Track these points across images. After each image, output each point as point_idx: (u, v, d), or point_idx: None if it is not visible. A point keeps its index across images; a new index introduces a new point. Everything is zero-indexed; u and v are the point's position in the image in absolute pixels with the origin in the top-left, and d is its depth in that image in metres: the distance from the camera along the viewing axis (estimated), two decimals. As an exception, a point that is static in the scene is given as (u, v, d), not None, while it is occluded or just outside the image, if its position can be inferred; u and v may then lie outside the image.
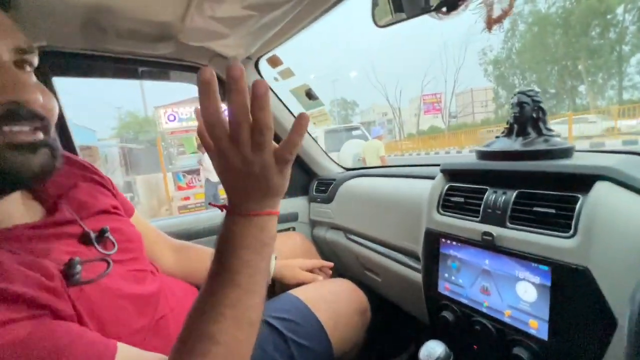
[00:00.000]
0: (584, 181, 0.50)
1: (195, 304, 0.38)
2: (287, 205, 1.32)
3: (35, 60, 0.43)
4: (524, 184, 0.58)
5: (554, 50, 21.67)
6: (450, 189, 0.71)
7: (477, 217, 0.62)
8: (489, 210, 0.61)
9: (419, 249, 0.77)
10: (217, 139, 0.34)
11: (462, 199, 0.67)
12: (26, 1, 0.67)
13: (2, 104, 0.36)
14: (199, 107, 0.32)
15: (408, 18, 0.55)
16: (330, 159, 1.39)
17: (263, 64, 1.08)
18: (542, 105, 0.62)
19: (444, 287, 0.69)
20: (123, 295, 0.45)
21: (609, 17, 18.81)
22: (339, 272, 1.22)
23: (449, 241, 0.68)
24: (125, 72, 1.00)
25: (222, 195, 5.41)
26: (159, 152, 7.20)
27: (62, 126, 0.89)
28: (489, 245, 0.59)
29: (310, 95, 1.07)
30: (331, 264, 0.97)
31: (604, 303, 0.45)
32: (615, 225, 0.46)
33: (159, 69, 1.04)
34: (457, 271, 0.66)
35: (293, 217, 1.32)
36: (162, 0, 0.74)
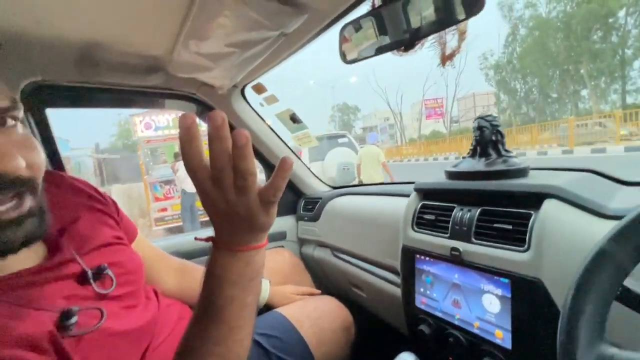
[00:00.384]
0: (535, 199, 0.55)
1: (183, 340, 0.39)
2: (275, 224, 1.32)
3: (20, 114, 0.40)
4: (486, 202, 0.63)
5: (556, 54, 21.49)
6: (423, 207, 0.75)
7: (447, 233, 0.67)
8: (457, 227, 0.65)
9: (398, 264, 0.81)
10: (200, 183, 0.34)
11: (433, 217, 0.71)
12: (22, 38, 0.72)
13: None
14: (180, 151, 0.32)
15: (372, 56, 0.61)
16: (317, 177, 1.43)
17: (249, 91, 1.14)
18: (500, 129, 0.67)
19: (421, 301, 0.72)
20: (116, 334, 0.45)
21: (610, 20, 18.62)
22: (326, 288, 1.25)
23: (423, 257, 0.72)
24: (117, 101, 1.05)
25: (199, 207, 5.21)
26: (138, 161, 6.93)
27: (55, 159, 0.93)
28: (457, 260, 0.63)
29: (294, 119, 1.13)
30: (319, 292, 1.01)
31: (556, 312, 0.49)
32: (562, 240, 0.50)
33: (149, 98, 1.09)
34: (432, 286, 0.70)
35: (281, 236, 1.34)
36: (151, 36, 0.80)
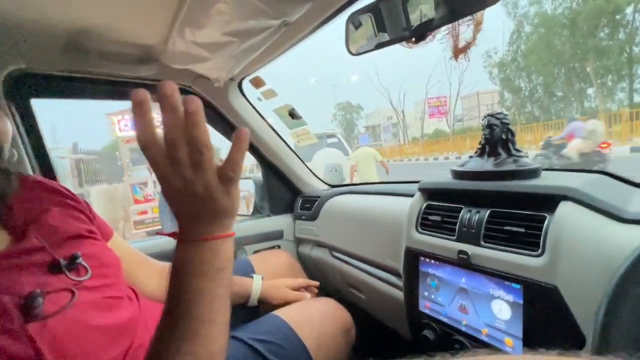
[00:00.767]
0: (549, 201, 0.53)
1: (153, 338, 0.37)
2: (272, 223, 1.32)
3: None
4: (495, 204, 0.60)
5: (561, 52, 20.87)
6: (427, 207, 0.73)
7: (454, 235, 0.64)
8: (464, 229, 0.62)
9: (400, 266, 0.78)
10: (154, 162, 0.32)
11: (439, 218, 0.68)
12: (4, 22, 0.67)
13: None
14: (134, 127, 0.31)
15: (381, 47, 0.58)
16: (315, 176, 1.40)
17: (247, 85, 1.10)
18: (510, 127, 0.65)
19: (425, 306, 0.69)
20: (92, 326, 0.43)
21: (618, 17, 17.66)
22: (324, 289, 1.22)
23: (427, 259, 0.69)
24: (107, 93, 1.00)
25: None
26: (117, 162, 6.75)
27: (40, 150, 0.88)
28: (464, 263, 0.61)
29: (293, 115, 1.09)
30: (317, 283, 0.98)
31: (572, 320, 0.46)
32: (579, 245, 0.48)
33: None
34: (437, 289, 0.67)
35: (278, 235, 1.31)
36: (144, 23, 0.75)
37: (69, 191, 0.59)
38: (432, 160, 16.88)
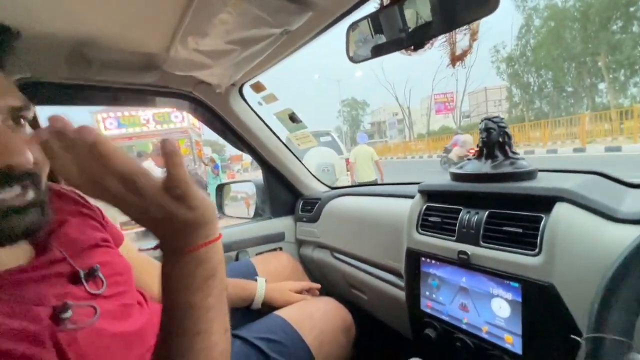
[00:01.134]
0: (545, 202, 0.55)
1: (153, 353, 0.38)
2: (273, 225, 1.33)
3: (31, 114, 0.42)
4: (494, 205, 0.62)
5: (572, 45, 20.07)
6: (428, 209, 0.74)
7: (453, 236, 0.66)
8: (464, 230, 0.64)
9: (401, 267, 0.79)
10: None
11: (439, 219, 0.70)
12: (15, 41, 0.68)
13: None
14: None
15: (381, 54, 0.59)
16: (316, 178, 1.41)
17: (247, 90, 1.11)
18: (507, 130, 0.66)
19: (426, 305, 0.71)
20: (111, 335, 0.45)
21: (632, 9, 16.91)
22: (325, 290, 1.23)
23: (428, 260, 0.71)
24: (110, 99, 1.01)
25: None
26: None
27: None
28: (464, 263, 0.62)
29: (293, 118, 1.10)
30: (318, 286, 0.99)
31: (569, 317, 0.48)
32: (574, 244, 0.50)
33: (144, 95, 1.05)
34: (438, 289, 0.69)
35: (280, 237, 1.33)
36: (147, 33, 0.77)
37: (83, 198, 0.60)
38: (436, 157, 16.63)
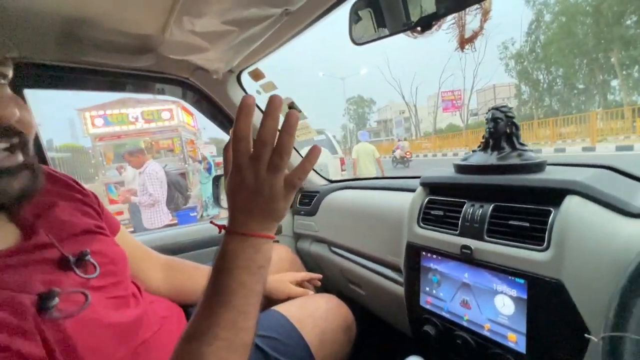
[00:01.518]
0: (555, 195, 0.52)
1: (190, 323, 0.38)
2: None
3: (10, 72, 0.42)
4: (499, 198, 0.59)
5: (584, 41, 19.45)
6: (430, 202, 0.72)
7: (456, 230, 0.63)
8: (467, 224, 0.62)
9: (401, 262, 0.77)
10: (239, 153, 0.37)
11: (441, 212, 0.68)
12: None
13: None
14: (234, 122, 0.36)
15: (386, 36, 0.56)
16: (315, 171, 1.39)
17: (245, 77, 1.08)
18: (515, 120, 0.64)
19: (426, 301, 0.69)
20: (102, 326, 0.43)
21: None
22: (323, 285, 1.21)
23: (429, 254, 0.68)
24: (103, 84, 0.98)
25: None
26: (91, 160, 6.39)
27: (35, 142, 0.86)
28: (467, 258, 0.60)
29: (293, 108, 1.07)
30: (319, 276, 0.97)
31: (577, 315, 0.46)
32: (586, 239, 0.47)
33: (139, 81, 1.02)
34: (438, 285, 0.66)
35: (277, 230, 1.30)
36: (141, 12, 0.73)
37: (77, 183, 0.58)
38: (441, 156, 16.31)
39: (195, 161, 6.69)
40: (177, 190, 4.21)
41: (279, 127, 0.37)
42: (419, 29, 0.52)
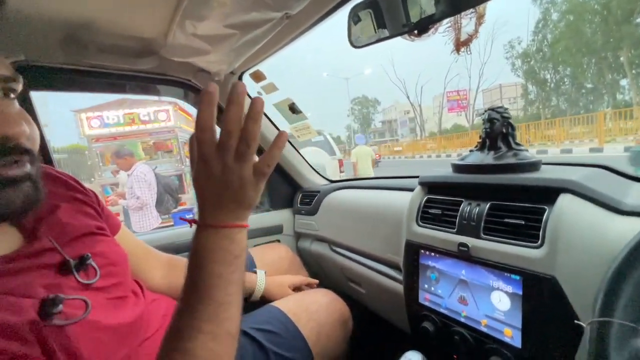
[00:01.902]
0: (549, 194, 0.53)
1: (172, 321, 0.39)
2: (271, 217, 1.32)
3: (19, 87, 0.42)
4: (496, 196, 0.61)
5: (592, 40, 18.98)
6: (428, 201, 0.73)
7: (454, 228, 0.64)
8: (464, 222, 0.63)
9: (400, 260, 0.78)
10: (204, 143, 0.36)
11: (439, 211, 0.69)
12: (4, 16, 0.67)
13: None
14: (197, 112, 0.35)
15: (384, 39, 0.58)
16: (315, 171, 1.40)
17: (247, 79, 1.09)
18: (511, 121, 0.65)
19: (424, 298, 0.70)
20: (103, 328, 0.43)
21: None
22: (323, 283, 1.22)
23: (427, 252, 0.69)
24: (106, 86, 0.99)
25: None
26: (88, 160, 6.25)
27: (40, 143, 0.87)
28: (464, 256, 0.61)
29: (293, 109, 1.09)
30: (317, 281, 0.98)
31: (570, 310, 0.47)
32: (578, 236, 0.48)
33: (142, 83, 1.04)
34: (436, 282, 0.67)
35: (278, 230, 1.31)
36: (144, 16, 0.75)
37: (77, 183, 0.58)
38: (445, 157, 16.04)
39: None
40: (167, 192, 4.01)
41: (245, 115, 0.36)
42: (416, 32, 0.53)
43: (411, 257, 0.73)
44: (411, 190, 0.81)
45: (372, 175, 5.77)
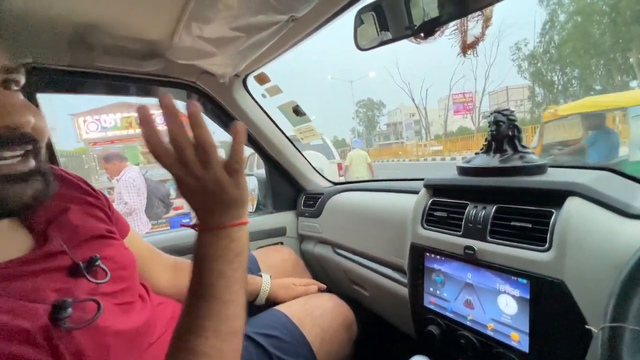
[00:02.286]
0: (556, 197, 0.53)
1: (179, 321, 0.39)
2: (275, 219, 1.32)
3: (22, 79, 0.42)
4: (502, 199, 0.60)
5: (600, 41, 18.63)
6: (433, 203, 0.73)
7: (459, 231, 0.64)
8: (470, 225, 0.63)
9: (405, 263, 0.78)
10: (165, 164, 0.36)
11: (445, 214, 0.69)
12: (12, 19, 0.67)
13: None
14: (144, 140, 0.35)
15: (389, 41, 0.58)
16: (319, 173, 1.40)
17: (251, 81, 1.10)
18: (517, 123, 0.65)
19: (429, 301, 0.70)
20: (112, 334, 0.43)
21: None
22: (326, 286, 1.22)
23: (433, 255, 0.69)
24: (112, 88, 1.00)
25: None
26: (85, 164, 6.37)
27: (47, 145, 0.88)
28: (471, 259, 0.61)
29: (297, 111, 1.09)
30: (324, 286, 0.97)
31: (579, 314, 0.47)
32: (587, 240, 0.48)
33: (146, 85, 1.04)
34: (442, 285, 0.67)
35: (281, 232, 1.31)
36: (150, 19, 0.75)
37: (88, 185, 0.57)
38: (450, 160, 15.74)
39: None
40: (157, 198, 3.84)
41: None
42: (422, 34, 0.53)
43: (416, 259, 0.73)
44: (415, 192, 0.81)
45: (366, 177, 5.87)
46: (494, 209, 0.60)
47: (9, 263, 0.39)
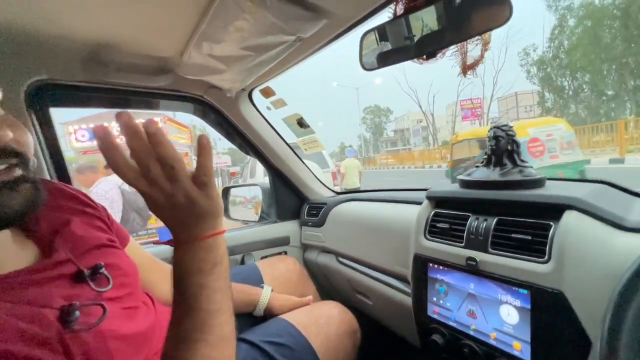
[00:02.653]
0: (554, 210, 0.55)
1: (167, 334, 0.40)
2: (278, 229, 1.34)
3: (1, 94, 0.42)
4: (503, 212, 0.63)
5: (612, 46, 18.54)
6: (436, 215, 0.75)
7: (462, 242, 0.66)
8: (472, 236, 0.65)
9: (408, 272, 0.80)
10: (135, 184, 0.36)
11: (447, 225, 0.71)
12: (30, 35, 0.71)
13: None
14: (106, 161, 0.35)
15: (392, 63, 0.61)
16: (322, 183, 1.42)
17: (256, 94, 1.13)
18: (515, 138, 0.67)
19: (433, 311, 0.71)
20: (118, 337, 0.44)
21: None
22: (330, 295, 1.23)
23: (436, 266, 0.71)
24: (122, 102, 1.03)
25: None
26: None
27: (57, 157, 0.91)
28: (473, 270, 0.63)
29: (301, 123, 1.12)
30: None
31: (578, 324, 0.49)
32: (584, 252, 0.50)
33: (155, 99, 1.07)
34: (445, 295, 0.69)
35: (285, 241, 1.33)
36: (163, 37, 0.79)
37: (86, 197, 0.59)
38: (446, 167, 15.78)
39: None
40: (133, 210, 3.57)
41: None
42: (424, 57, 0.56)
43: (420, 270, 0.74)
44: (418, 203, 0.83)
45: (358, 186, 6.20)
46: (494, 221, 0.62)
47: (19, 272, 0.41)
